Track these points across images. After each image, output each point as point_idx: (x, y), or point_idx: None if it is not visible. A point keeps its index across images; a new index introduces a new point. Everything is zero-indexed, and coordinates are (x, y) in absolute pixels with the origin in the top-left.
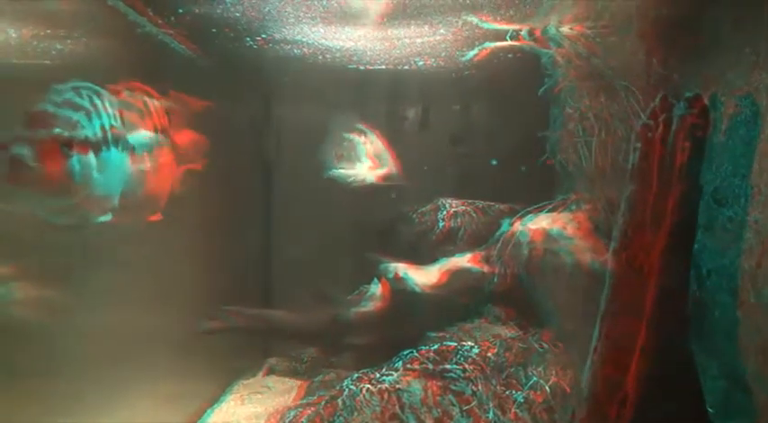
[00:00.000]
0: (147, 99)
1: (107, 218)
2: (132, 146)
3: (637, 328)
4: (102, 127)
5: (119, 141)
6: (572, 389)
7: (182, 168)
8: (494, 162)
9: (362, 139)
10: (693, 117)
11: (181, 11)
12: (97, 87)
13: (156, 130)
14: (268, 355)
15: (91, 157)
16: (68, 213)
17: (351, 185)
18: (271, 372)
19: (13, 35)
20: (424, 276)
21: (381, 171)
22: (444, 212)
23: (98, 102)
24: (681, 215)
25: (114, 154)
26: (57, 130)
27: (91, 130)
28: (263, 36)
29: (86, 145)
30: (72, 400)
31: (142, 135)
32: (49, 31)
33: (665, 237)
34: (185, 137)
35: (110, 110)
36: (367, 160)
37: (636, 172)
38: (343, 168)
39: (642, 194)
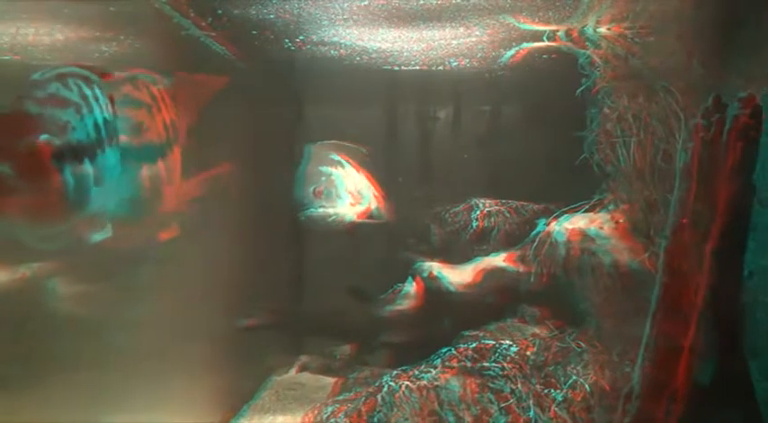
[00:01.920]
0: (153, 88)
1: (104, 235)
2: (135, 146)
3: (686, 328)
4: (96, 124)
5: (117, 141)
6: (612, 388)
7: (201, 172)
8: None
9: (342, 172)
10: (746, 117)
11: (220, 12)
12: (86, 72)
13: (165, 127)
14: (301, 353)
15: (86, 166)
16: (60, 238)
17: (330, 225)
18: (304, 369)
19: (60, 37)
20: (458, 275)
21: (362, 207)
22: (477, 212)
23: (88, 92)
24: (733, 215)
25: (112, 157)
26: (43, 137)
27: (83, 131)
28: (301, 38)
29: (80, 151)
30: (114, 392)
31: (147, 133)
32: (97, 34)
33: (717, 237)
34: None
35: (103, 101)
36: (347, 196)
37: (687, 172)
38: (322, 207)
39: (693, 194)
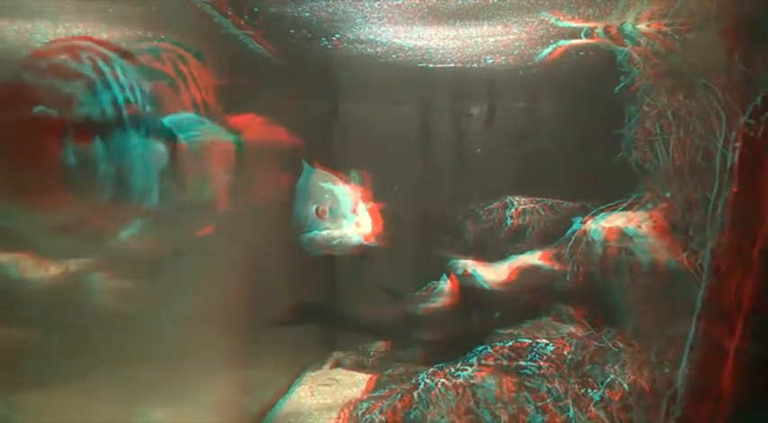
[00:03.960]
0: (180, 64)
1: (132, 231)
2: (163, 129)
3: (732, 330)
4: (115, 102)
5: (140, 122)
6: (651, 388)
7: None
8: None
9: (346, 189)
10: None
11: (256, 9)
12: (104, 49)
13: (196, 107)
14: (334, 348)
15: (96, 146)
16: (68, 232)
17: (334, 249)
18: (338, 365)
19: (104, 37)
20: (493, 273)
21: (367, 229)
22: (512, 210)
23: (106, 68)
24: None
25: (134, 140)
26: (38, 109)
27: (95, 108)
28: (337, 36)
29: (88, 129)
30: (151, 386)
31: (176, 113)
32: (139, 33)
33: (765, 238)
34: (251, 123)
35: (122, 79)
36: (353, 216)
37: (735, 172)
38: (327, 228)
39: (741, 194)
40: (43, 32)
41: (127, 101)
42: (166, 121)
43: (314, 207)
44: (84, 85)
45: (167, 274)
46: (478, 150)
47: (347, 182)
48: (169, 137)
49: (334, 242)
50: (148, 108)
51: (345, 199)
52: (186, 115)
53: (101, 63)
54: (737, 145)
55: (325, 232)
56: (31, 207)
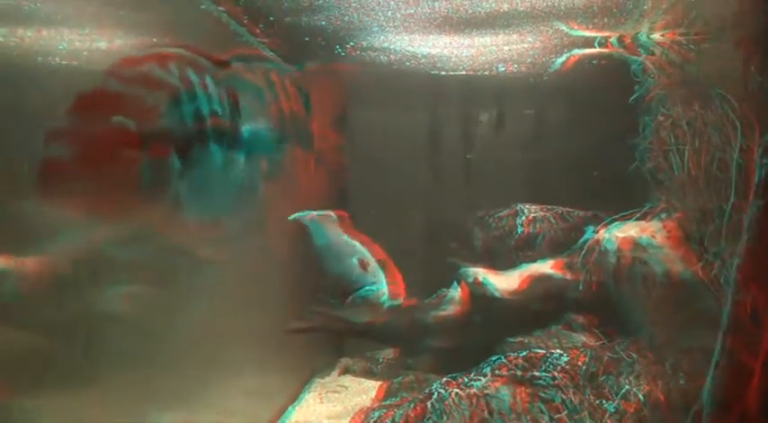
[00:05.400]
0: (272, 74)
1: (209, 252)
2: (248, 143)
3: (758, 346)
4: (198, 114)
5: (224, 136)
6: (667, 399)
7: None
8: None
9: (358, 240)
10: None
11: (272, 18)
12: (196, 57)
13: (284, 119)
14: (342, 355)
15: (172, 159)
16: (139, 244)
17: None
18: (346, 371)
19: (119, 43)
20: (504, 282)
21: (395, 288)
22: (523, 218)
23: (194, 78)
24: None
25: (215, 154)
26: (116, 119)
27: (176, 119)
28: (351, 44)
29: (166, 141)
30: (163, 392)
31: (263, 126)
32: (155, 40)
33: None
34: (325, 132)
35: (212, 89)
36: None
37: (763, 188)
38: (373, 283)
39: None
40: (58, 39)
41: (212, 113)
42: (248, 134)
43: (355, 259)
44: (168, 95)
45: (183, 281)
46: (468, 156)
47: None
48: (250, 152)
49: (382, 298)
50: (234, 120)
51: (367, 251)
52: (267, 130)
53: (190, 73)
54: (765, 161)
55: (374, 289)
56: (104, 217)
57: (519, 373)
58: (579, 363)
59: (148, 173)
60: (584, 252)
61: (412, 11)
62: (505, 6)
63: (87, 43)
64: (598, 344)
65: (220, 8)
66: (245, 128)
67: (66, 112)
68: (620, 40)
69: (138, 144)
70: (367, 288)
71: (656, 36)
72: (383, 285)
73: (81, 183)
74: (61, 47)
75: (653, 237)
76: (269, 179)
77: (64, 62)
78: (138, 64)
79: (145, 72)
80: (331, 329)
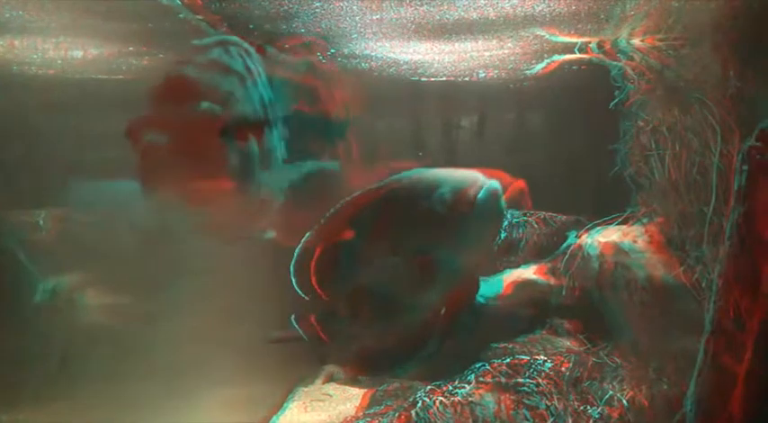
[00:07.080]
0: (301, 65)
1: (270, 235)
2: (305, 120)
3: (742, 351)
4: (262, 100)
5: (284, 122)
6: (651, 404)
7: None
8: None
9: None
10: None
11: (252, 26)
12: (247, 45)
13: (341, 108)
14: (326, 363)
15: (252, 144)
16: (222, 228)
17: None
18: (331, 379)
19: (95, 52)
20: (487, 287)
21: None
22: (505, 223)
23: (252, 65)
24: None
25: (277, 139)
26: (204, 105)
27: (249, 105)
28: (333, 51)
29: (245, 127)
30: (147, 401)
31: (321, 105)
32: (131, 49)
33: None
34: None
35: (264, 76)
36: None
37: (744, 194)
38: None
39: (750, 217)
40: (34, 48)
41: (271, 99)
42: (304, 120)
43: None
44: (238, 81)
45: (163, 290)
46: (420, 154)
47: None
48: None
49: None
50: (286, 106)
51: None
52: (317, 117)
53: (248, 59)
54: (745, 168)
55: None
56: (194, 205)
57: (503, 379)
58: (563, 369)
59: (236, 159)
60: (566, 257)
61: (391, 17)
62: (491, 13)
63: (70, 52)
64: (582, 349)
65: (198, 16)
66: (297, 114)
67: (151, 99)
68: (601, 45)
69: (226, 129)
70: None
71: (636, 41)
72: None
73: (177, 169)
74: (35, 56)
75: (635, 241)
76: (323, 166)
77: (40, 71)
78: (207, 50)
79: (215, 58)
80: (314, 339)
